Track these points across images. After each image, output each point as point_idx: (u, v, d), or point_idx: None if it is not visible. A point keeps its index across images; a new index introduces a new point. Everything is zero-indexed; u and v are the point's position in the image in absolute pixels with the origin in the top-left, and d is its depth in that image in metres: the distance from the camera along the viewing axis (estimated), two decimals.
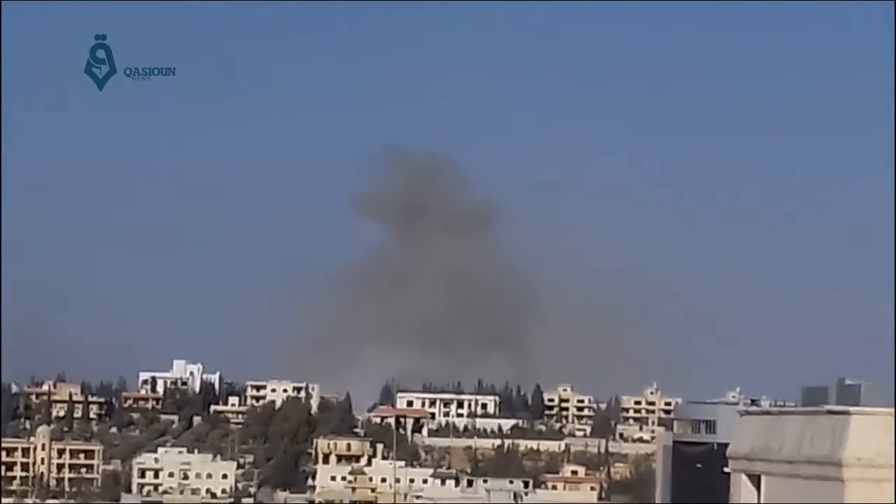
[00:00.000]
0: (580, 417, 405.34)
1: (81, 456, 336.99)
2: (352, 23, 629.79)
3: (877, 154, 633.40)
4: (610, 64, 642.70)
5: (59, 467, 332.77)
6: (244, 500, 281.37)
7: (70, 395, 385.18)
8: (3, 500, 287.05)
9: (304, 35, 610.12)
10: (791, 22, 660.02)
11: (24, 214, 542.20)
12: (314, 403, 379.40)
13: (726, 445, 42.51)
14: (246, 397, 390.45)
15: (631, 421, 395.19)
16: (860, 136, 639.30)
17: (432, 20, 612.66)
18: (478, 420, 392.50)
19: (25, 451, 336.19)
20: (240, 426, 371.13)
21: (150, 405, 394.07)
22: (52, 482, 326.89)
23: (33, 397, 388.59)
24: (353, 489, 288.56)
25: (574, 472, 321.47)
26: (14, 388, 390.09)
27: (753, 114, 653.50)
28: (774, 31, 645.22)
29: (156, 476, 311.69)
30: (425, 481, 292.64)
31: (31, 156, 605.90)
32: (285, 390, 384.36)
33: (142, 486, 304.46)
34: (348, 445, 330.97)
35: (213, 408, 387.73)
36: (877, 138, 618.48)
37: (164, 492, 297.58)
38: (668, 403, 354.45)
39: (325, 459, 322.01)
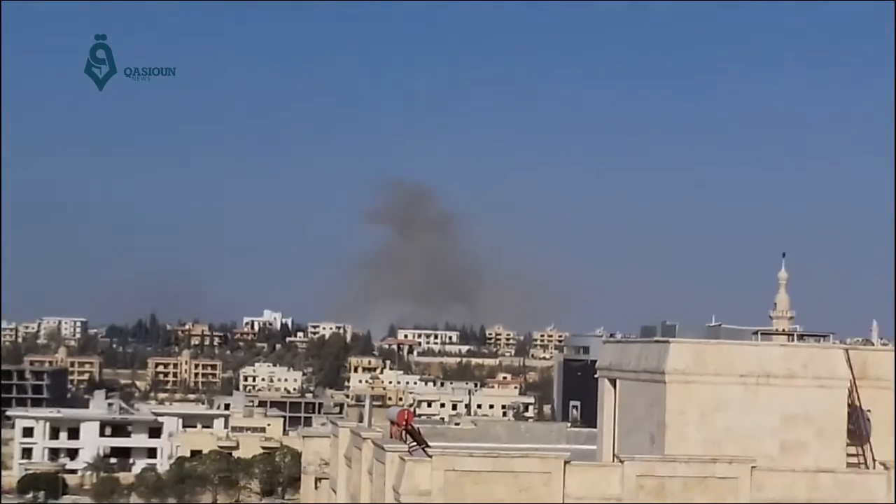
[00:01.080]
0: (508, 344, 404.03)
1: (209, 368, 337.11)
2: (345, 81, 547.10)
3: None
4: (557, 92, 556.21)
5: (196, 375, 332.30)
6: (307, 395, 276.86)
7: (202, 331, 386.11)
8: (160, 396, 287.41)
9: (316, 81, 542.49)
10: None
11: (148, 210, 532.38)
12: (348, 336, 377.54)
13: (595, 362, 40.45)
14: (307, 332, 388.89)
15: (538, 347, 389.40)
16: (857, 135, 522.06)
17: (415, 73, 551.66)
18: (446, 346, 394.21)
19: (175, 366, 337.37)
20: (304, 350, 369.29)
21: (249, 337, 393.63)
22: (192, 384, 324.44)
23: (179, 332, 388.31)
24: (372, 387, 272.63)
25: (504, 378, 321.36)
26: (168, 327, 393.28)
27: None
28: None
29: (253, 380, 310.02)
30: (415, 383, 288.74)
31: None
32: (331, 328, 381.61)
33: (245, 386, 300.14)
34: (369, 362, 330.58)
35: (287, 339, 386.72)
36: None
37: (259, 389, 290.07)
38: (560, 336, 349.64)
39: (355, 370, 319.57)
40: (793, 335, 38.03)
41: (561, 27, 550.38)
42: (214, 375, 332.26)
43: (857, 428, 34.66)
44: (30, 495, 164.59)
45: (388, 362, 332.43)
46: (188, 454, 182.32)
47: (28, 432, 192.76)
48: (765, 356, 34.47)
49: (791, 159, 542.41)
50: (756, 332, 37.70)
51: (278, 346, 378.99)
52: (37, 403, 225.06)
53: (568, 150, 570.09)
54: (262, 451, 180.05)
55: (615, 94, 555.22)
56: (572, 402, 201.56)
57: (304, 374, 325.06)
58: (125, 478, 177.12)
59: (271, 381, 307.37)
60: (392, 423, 35.22)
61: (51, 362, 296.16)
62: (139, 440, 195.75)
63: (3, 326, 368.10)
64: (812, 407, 34.19)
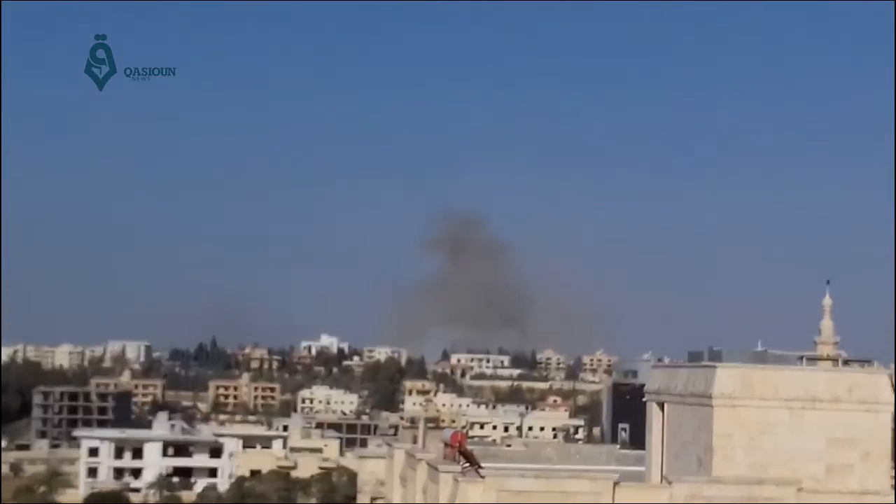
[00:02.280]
0: (558, 369, 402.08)
1: (268, 391, 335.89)
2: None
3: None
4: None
5: (255, 397, 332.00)
6: (362, 417, 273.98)
7: (261, 355, 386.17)
8: (221, 418, 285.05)
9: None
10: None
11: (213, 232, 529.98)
12: (403, 360, 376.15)
13: (643, 385, 40.32)
14: (363, 356, 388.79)
15: (588, 371, 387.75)
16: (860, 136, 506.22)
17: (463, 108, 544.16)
18: (498, 370, 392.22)
19: (235, 389, 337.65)
20: (360, 373, 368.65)
21: (307, 361, 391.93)
22: (251, 406, 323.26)
23: (239, 356, 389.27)
24: (426, 410, 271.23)
25: (555, 401, 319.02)
26: (228, 351, 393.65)
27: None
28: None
29: (311, 403, 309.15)
30: (468, 406, 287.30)
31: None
32: (386, 353, 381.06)
33: (303, 408, 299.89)
34: (423, 385, 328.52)
35: (344, 363, 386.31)
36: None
37: (316, 411, 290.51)
38: (609, 360, 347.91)
39: (409, 393, 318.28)
40: (837, 360, 38.05)
41: (606, 62, 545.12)
42: (273, 398, 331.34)
43: None
44: None
45: (441, 385, 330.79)
46: (248, 474, 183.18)
47: (93, 452, 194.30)
48: (810, 381, 34.59)
49: (836, 185, 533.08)
50: (801, 358, 37.71)
51: (335, 369, 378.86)
52: (102, 424, 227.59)
53: (617, 177, 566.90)
54: (319, 471, 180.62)
55: (663, 122, 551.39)
56: (621, 425, 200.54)
57: (360, 396, 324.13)
58: (187, 496, 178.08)
59: (328, 403, 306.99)
60: (446, 444, 35.30)
61: (116, 384, 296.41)
62: (200, 460, 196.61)
63: (71, 349, 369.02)
64: (857, 431, 34.21)
